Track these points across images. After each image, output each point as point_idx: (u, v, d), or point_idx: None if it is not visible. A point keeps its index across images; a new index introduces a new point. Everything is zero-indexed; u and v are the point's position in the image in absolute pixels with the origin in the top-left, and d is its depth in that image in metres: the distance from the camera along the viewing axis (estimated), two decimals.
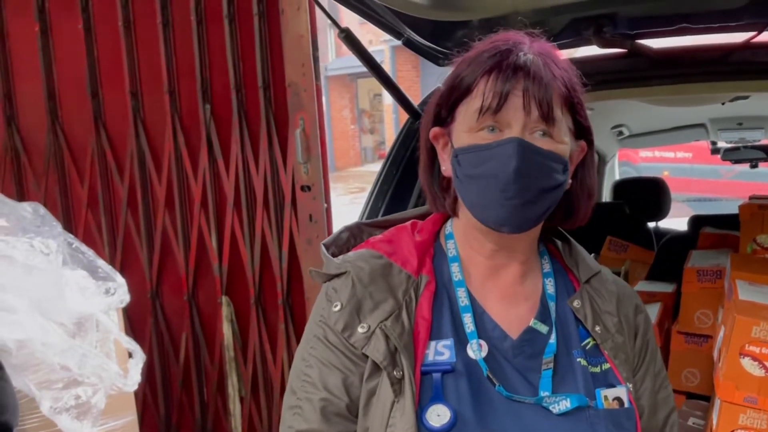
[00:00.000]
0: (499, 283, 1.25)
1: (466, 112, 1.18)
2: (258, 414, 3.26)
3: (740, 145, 3.78)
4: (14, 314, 2.05)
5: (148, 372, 3.25)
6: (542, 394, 1.17)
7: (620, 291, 1.32)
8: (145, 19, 3.19)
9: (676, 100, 2.17)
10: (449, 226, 1.30)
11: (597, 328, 1.24)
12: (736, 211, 2.23)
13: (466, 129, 1.17)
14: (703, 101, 2.25)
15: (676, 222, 3.99)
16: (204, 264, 3.27)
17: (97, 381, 2.19)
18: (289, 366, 3.21)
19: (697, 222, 2.94)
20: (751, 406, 1.64)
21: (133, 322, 3.27)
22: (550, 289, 1.27)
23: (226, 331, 3.23)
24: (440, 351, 1.17)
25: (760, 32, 1.77)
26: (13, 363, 2.03)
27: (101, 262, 2.48)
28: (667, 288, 2.47)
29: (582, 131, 1.23)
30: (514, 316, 1.24)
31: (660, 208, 3.43)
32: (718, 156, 4.16)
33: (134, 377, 2.34)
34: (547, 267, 1.30)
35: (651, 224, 3.43)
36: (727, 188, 8.46)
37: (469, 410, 1.13)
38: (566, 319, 1.26)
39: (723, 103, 2.35)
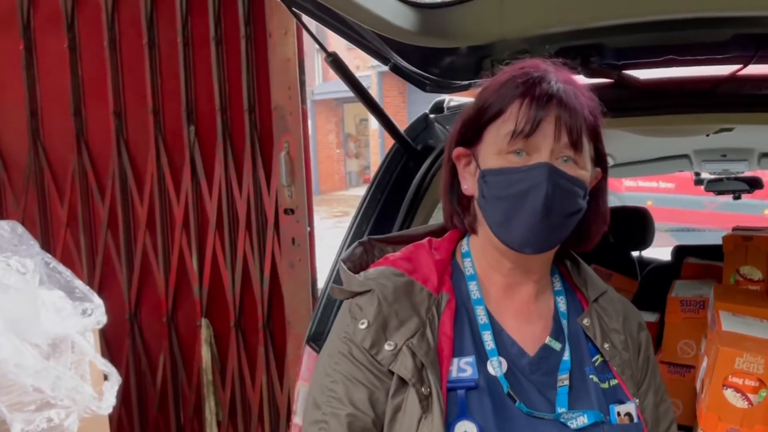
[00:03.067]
0: (514, 301, 1.27)
1: (497, 135, 1.20)
2: None
3: (723, 176, 3.80)
4: None
5: (124, 394, 3.20)
6: (559, 410, 1.19)
7: (625, 309, 1.36)
8: (130, 40, 3.19)
9: (662, 130, 2.18)
10: (465, 245, 1.32)
11: (606, 345, 1.27)
12: (719, 241, 2.23)
13: (495, 151, 1.19)
14: (689, 132, 2.26)
15: (659, 251, 4.00)
16: (184, 286, 3.24)
17: (71, 403, 2.15)
18: (269, 390, 3.20)
19: (680, 252, 2.94)
20: None
21: (110, 343, 3.23)
22: (562, 306, 1.30)
23: (205, 354, 3.19)
24: (463, 368, 1.20)
25: (745, 65, 1.79)
26: None
27: (79, 283, 2.45)
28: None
29: (599, 158, 1.26)
30: (529, 334, 1.26)
31: (644, 238, 3.43)
32: (701, 187, 4.18)
33: (109, 400, 2.30)
34: (558, 285, 1.33)
35: (635, 253, 3.43)
36: (711, 219, 8.53)
37: (492, 426, 1.15)
38: (578, 336, 1.29)
39: (708, 135, 2.36)
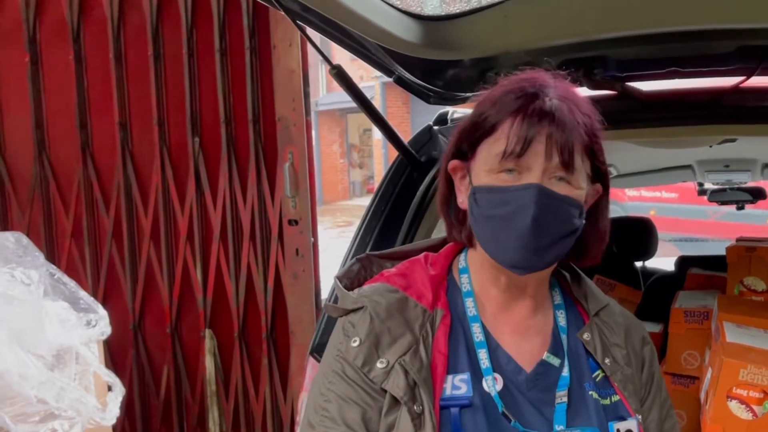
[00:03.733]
0: (511, 317, 1.25)
1: (489, 153, 1.17)
2: None
3: (727, 186, 3.80)
4: None
5: (127, 405, 3.20)
6: (557, 428, 1.17)
7: (627, 323, 1.33)
8: (136, 52, 3.20)
9: (665, 142, 2.18)
10: (463, 260, 1.30)
11: (606, 361, 1.25)
12: (722, 252, 2.23)
13: (487, 169, 1.17)
14: (692, 144, 2.26)
15: (662, 261, 3.99)
16: (188, 297, 3.24)
17: (75, 414, 2.15)
18: (272, 401, 3.19)
19: (684, 263, 2.93)
20: None
21: (114, 354, 3.23)
22: (562, 321, 1.28)
23: (209, 364, 3.19)
24: (457, 385, 1.18)
25: (748, 77, 1.79)
26: None
27: (83, 294, 2.45)
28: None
29: (599, 175, 1.23)
30: (526, 350, 1.24)
31: (647, 248, 3.42)
32: (704, 197, 4.18)
33: (113, 411, 2.30)
34: (558, 299, 1.30)
35: (638, 264, 3.43)
36: (714, 229, 8.51)
37: None
38: (577, 351, 1.26)
39: (711, 146, 2.36)
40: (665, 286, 2.59)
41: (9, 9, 3.25)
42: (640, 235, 3.46)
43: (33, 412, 2.07)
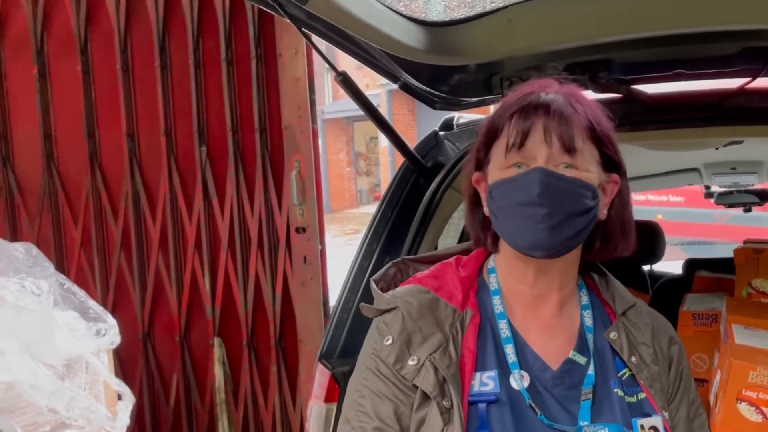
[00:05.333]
0: (539, 316, 1.28)
1: (498, 152, 1.23)
2: None
3: (734, 189, 3.78)
4: (2, 356, 2.02)
5: (137, 414, 3.20)
6: (582, 423, 1.20)
7: (655, 323, 1.35)
8: (143, 62, 3.22)
9: (672, 144, 2.18)
10: (491, 261, 1.34)
11: (633, 359, 1.27)
12: (730, 254, 2.22)
13: (498, 167, 1.23)
14: (698, 146, 2.26)
15: (670, 265, 3.98)
16: (197, 305, 3.25)
17: (85, 424, 2.16)
18: (281, 409, 3.20)
19: (691, 265, 2.92)
20: None
21: (124, 363, 3.24)
22: (588, 321, 1.30)
23: (218, 373, 3.19)
24: (485, 382, 1.21)
25: (754, 78, 1.79)
26: (0, 405, 2.00)
27: (93, 303, 2.46)
28: None
29: (612, 164, 1.26)
30: (553, 348, 1.27)
31: (655, 252, 3.42)
32: (711, 200, 4.16)
33: (123, 420, 2.31)
34: (585, 299, 1.33)
35: (646, 267, 3.42)
36: (721, 232, 8.46)
37: None
38: (603, 350, 1.28)
39: (717, 148, 2.36)
40: (673, 289, 2.58)
41: (17, 22, 3.28)
42: (647, 238, 3.45)
43: (44, 421, 2.07)
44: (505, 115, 1.23)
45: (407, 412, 1.21)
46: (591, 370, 1.25)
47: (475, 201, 1.32)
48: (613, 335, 1.29)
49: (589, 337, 1.28)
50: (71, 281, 2.51)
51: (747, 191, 3.77)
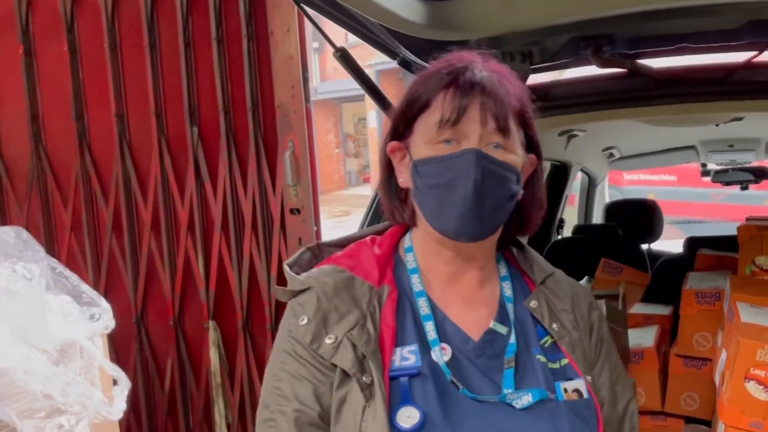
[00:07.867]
0: (459, 289, 1.30)
1: (426, 126, 1.23)
2: None
3: (730, 167, 3.78)
4: None
5: (132, 399, 3.18)
6: (505, 391, 1.22)
7: (574, 290, 1.38)
8: (131, 41, 3.15)
9: (675, 120, 2.16)
10: (408, 240, 1.35)
11: (554, 326, 1.30)
12: (728, 232, 2.21)
13: (426, 141, 1.23)
14: (701, 122, 2.24)
15: (666, 244, 3.98)
16: (190, 288, 3.21)
17: (81, 409, 2.12)
18: None
19: (693, 244, 2.91)
20: (756, 431, 1.61)
21: (118, 348, 3.20)
22: (508, 291, 1.33)
23: (213, 356, 3.17)
24: (406, 356, 1.22)
25: (760, 52, 1.77)
26: None
27: (85, 287, 2.42)
28: (663, 310, 2.44)
29: (532, 145, 1.29)
30: (474, 320, 1.29)
31: (653, 230, 3.42)
32: (704, 179, 4.16)
33: (119, 405, 2.27)
34: (504, 271, 1.36)
35: (644, 246, 3.42)
36: (717, 211, 8.49)
37: (436, 411, 1.18)
38: (524, 319, 1.31)
39: (717, 125, 2.34)
40: (674, 268, 2.58)
41: (1, 1, 3.20)
42: (645, 217, 3.46)
43: (39, 407, 2.04)
44: (434, 88, 1.23)
45: (327, 391, 1.21)
46: (512, 339, 1.27)
47: (389, 171, 1.33)
48: (533, 304, 1.32)
49: (510, 307, 1.31)
50: (62, 265, 2.46)
51: (743, 169, 3.78)
